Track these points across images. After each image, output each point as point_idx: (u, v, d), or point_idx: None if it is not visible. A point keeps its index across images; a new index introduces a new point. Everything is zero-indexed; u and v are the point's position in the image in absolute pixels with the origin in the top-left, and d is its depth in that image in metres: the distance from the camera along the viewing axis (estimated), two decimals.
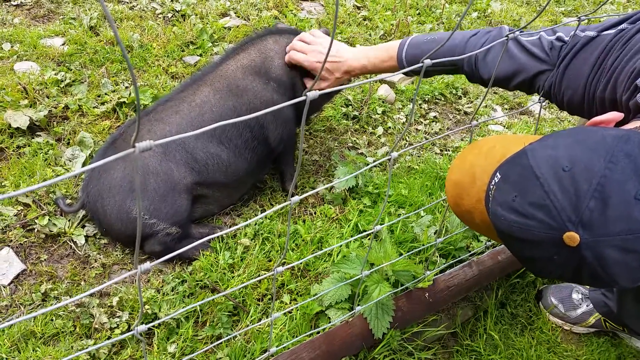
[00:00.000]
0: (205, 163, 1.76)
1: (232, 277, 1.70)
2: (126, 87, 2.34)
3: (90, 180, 1.69)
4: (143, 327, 0.78)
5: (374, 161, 2.31)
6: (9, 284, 1.60)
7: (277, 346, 1.41)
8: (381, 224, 1.13)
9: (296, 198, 0.84)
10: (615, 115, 0.97)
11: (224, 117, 1.75)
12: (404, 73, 1.67)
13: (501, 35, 1.42)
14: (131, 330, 0.81)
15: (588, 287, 1.92)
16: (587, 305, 1.86)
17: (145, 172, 1.66)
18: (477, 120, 2.70)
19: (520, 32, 1.37)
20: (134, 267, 0.69)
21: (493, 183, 0.91)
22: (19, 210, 1.76)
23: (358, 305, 1.50)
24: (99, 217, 1.68)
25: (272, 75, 1.84)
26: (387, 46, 1.67)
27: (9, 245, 1.67)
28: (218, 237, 1.84)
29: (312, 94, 0.65)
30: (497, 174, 0.91)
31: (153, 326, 1.54)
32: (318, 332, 1.53)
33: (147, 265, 0.71)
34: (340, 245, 1.83)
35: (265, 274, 1.45)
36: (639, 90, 1.06)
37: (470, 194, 1.00)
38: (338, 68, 1.73)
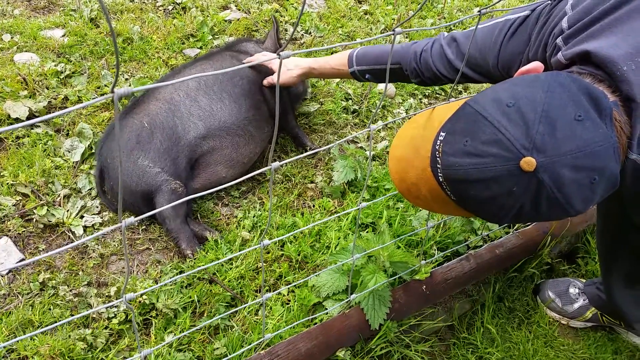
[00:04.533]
0: (210, 108, 1.91)
1: (230, 269, 1.70)
2: (126, 79, 2.34)
3: (104, 143, 1.84)
4: (132, 295, 0.78)
5: (373, 155, 2.31)
6: (7, 273, 1.60)
7: (272, 332, 1.41)
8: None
9: (276, 164, 0.87)
10: (538, 64, 1.01)
11: (224, 76, 2.00)
12: (351, 74, 1.75)
13: (440, 37, 1.53)
14: (119, 298, 0.81)
15: (580, 279, 1.92)
16: (584, 300, 1.87)
17: (153, 126, 1.80)
18: None
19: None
20: (119, 221, 0.70)
21: (438, 143, 0.94)
22: (17, 200, 1.76)
23: (352, 293, 1.50)
24: (109, 172, 1.79)
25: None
26: (342, 52, 1.87)
27: (7, 235, 1.68)
28: (217, 229, 1.85)
29: (285, 53, 0.71)
30: (441, 133, 0.95)
31: (150, 316, 1.54)
32: (315, 323, 1.54)
33: (132, 219, 0.72)
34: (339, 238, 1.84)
35: (264, 266, 1.45)
36: (557, 48, 1.12)
37: (415, 164, 1.01)
38: (288, 63, 1.99)
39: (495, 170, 0.84)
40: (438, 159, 0.93)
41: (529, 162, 0.81)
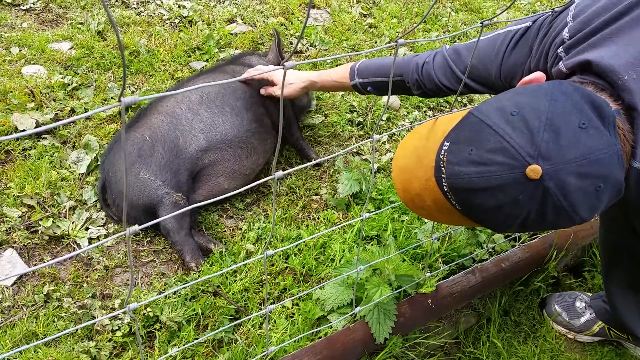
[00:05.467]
0: (211, 121, 1.91)
1: (235, 281, 1.70)
2: (133, 92, 2.35)
3: (107, 156, 1.85)
4: (135, 305, 0.78)
5: (378, 168, 2.31)
6: (12, 285, 1.60)
7: (277, 345, 1.41)
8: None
9: (279, 173, 0.86)
10: (540, 75, 1.01)
11: (224, 87, 2.02)
12: (352, 86, 1.74)
13: (443, 49, 1.52)
14: (123, 309, 0.81)
15: (586, 293, 1.90)
16: (590, 314, 1.85)
17: (154, 140, 1.81)
18: None
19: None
20: (123, 229, 0.70)
21: (442, 153, 0.94)
22: (23, 212, 1.77)
23: (357, 306, 1.49)
24: (111, 185, 1.79)
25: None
26: (344, 65, 1.87)
27: (12, 247, 1.68)
28: (221, 241, 1.85)
29: (289, 64, 0.71)
30: (445, 142, 0.95)
31: (154, 329, 1.54)
32: (319, 337, 1.53)
33: (136, 227, 0.72)
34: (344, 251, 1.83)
35: (267, 278, 1.45)
36: (559, 57, 1.12)
37: (418, 174, 1.01)
38: (290, 76, 1.97)
39: (501, 178, 0.84)
40: (442, 168, 0.93)
41: (534, 170, 0.81)
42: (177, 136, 1.83)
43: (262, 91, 2.05)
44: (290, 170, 0.95)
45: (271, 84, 2.04)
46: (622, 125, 0.91)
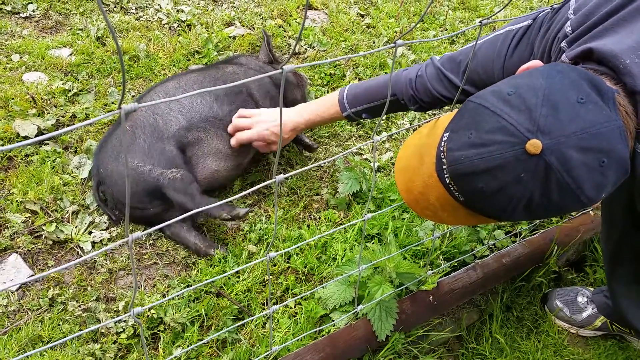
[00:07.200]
0: (189, 104, 1.92)
1: (237, 282, 1.71)
2: (133, 96, 2.37)
3: (97, 154, 1.88)
4: (139, 309, 0.79)
5: (378, 167, 2.32)
6: (17, 290, 1.62)
7: (280, 344, 1.42)
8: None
9: (281, 177, 0.87)
10: (537, 61, 1.02)
11: (203, 76, 2.04)
12: (345, 117, 1.72)
13: (432, 61, 1.52)
14: (127, 313, 0.82)
15: (588, 288, 1.91)
16: (592, 309, 1.85)
17: (134, 127, 1.84)
18: None
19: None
20: (126, 235, 0.71)
21: (442, 144, 0.94)
22: (26, 217, 1.79)
23: (359, 304, 1.51)
24: (105, 180, 1.82)
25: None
26: (329, 95, 1.80)
27: (17, 252, 1.70)
28: (225, 243, 1.86)
29: (288, 67, 0.71)
30: (444, 134, 0.95)
31: (158, 330, 1.55)
32: (322, 335, 1.54)
33: (138, 233, 0.73)
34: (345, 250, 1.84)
35: (270, 278, 1.46)
36: (562, 51, 1.13)
37: (421, 172, 1.01)
38: (275, 131, 1.84)
39: (502, 157, 0.83)
40: (443, 159, 0.93)
41: (534, 145, 0.81)
42: (156, 120, 1.85)
43: (261, 149, 1.95)
44: (291, 173, 0.95)
45: (262, 141, 1.88)
46: (622, 102, 0.90)
